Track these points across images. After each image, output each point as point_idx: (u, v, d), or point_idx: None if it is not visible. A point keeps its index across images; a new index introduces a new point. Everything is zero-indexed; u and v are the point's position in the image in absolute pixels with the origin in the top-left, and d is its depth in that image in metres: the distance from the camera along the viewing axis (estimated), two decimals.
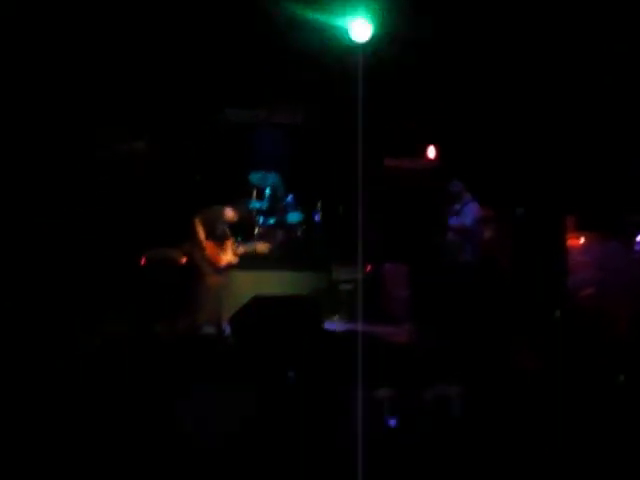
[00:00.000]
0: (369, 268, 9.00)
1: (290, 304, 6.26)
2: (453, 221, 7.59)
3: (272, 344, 5.48)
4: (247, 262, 8.78)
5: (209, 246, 7.10)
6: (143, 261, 8.03)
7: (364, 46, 7.99)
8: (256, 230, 9.37)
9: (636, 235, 7.80)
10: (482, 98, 8.78)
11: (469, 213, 7.53)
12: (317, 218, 9.59)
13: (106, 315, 7.02)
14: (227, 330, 6.65)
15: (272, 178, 9.59)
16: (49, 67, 7.82)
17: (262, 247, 7.84)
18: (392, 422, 4.86)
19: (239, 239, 8.91)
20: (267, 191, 9.63)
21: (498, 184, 8.24)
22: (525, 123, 8.29)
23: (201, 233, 7.02)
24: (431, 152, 9.41)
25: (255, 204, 9.53)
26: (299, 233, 9.49)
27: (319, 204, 9.60)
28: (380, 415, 4.86)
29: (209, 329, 6.88)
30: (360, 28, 7.95)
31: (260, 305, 5.98)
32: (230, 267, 7.41)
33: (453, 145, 9.09)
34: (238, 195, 9.19)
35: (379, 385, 5.14)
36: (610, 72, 7.83)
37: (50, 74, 7.86)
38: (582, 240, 8.16)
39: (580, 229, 8.32)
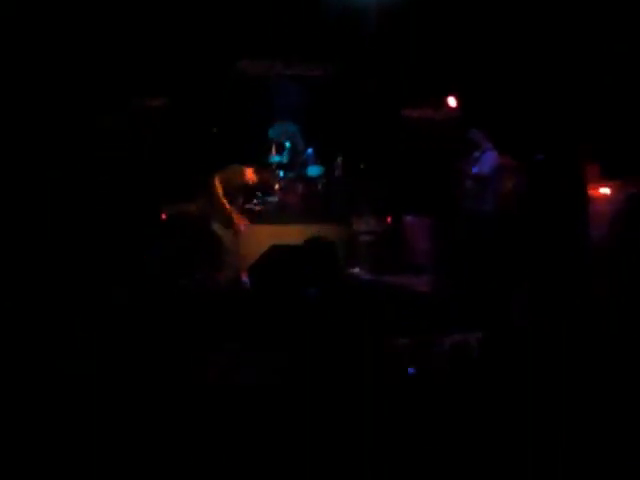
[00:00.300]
0: (389, 220, 9.01)
1: (307, 250, 6.24)
2: (472, 170, 7.50)
3: (290, 292, 5.53)
4: (267, 216, 8.89)
5: (227, 209, 6.83)
6: (164, 216, 8.12)
7: None
8: (276, 185, 9.38)
9: None
10: (503, 44, 8.60)
11: (487, 161, 7.44)
12: (337, 171, 9.56)
13: (129, 271, 7.06)
14: (246, 281, 6.72)
15: (291, 131, 9.57)
16: (58, 22, 7.63)
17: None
18: (411, 370, 4.88)
19: (259, 196, 8.99)
20: (286, 145, 9.61)
21: (518, 131, 8.12)
22: (547, 68, 8.12)
23: (220, 195, 6.74)
24: (452, 101, 9.26)
25: (275, 158, 9.53)
26: (319, 186, 9.49)
27: (339, 157, 9.55)
28: (400, 363, 4.89)
29: (229, 281, 6.89)
30: None
31: (278, 254, 6.03)
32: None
33: (473, 93, 8.95)
34: (257, 149, 9.25)
35: (399, 333, 5.16)
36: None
37: (59, 29, 7.65)
38: (605, 190, 8.01)
39: (604, 178, 8.14)
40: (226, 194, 6.76)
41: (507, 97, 8.64)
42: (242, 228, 6.92)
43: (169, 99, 8.64)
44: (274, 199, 9.27)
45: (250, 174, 7.03)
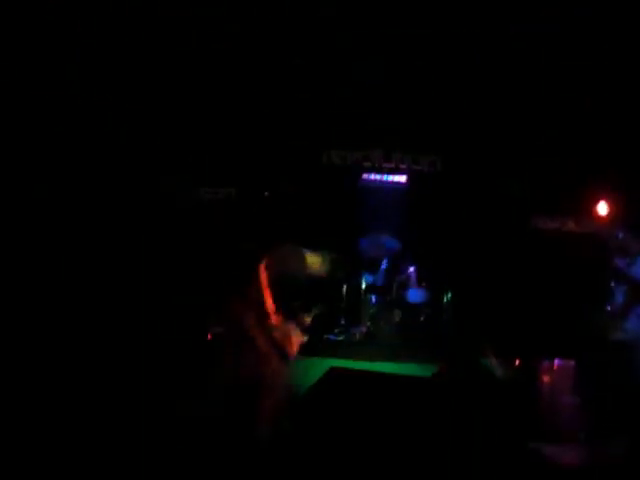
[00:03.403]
0: (518, 363, 6.56)
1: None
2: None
3: None
4: (349, 349, 6.71)
5: (280, 323, 4.43)
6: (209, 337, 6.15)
7: None
8: (368, 310, 7.27)
9: None
10: None
11: None
12: (447, 297, 7.34)
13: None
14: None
15: (389, 244, 7.48)
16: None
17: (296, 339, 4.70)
18: None
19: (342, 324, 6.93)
20: (383, 262, 7.55)
21: None
22: None
23: (268, 297, 4.39)
24: (602, 209, 7.02)
25: (367, 278, 7.45)
26: (422, 316, 7.27)
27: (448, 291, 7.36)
28: None
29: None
30: None
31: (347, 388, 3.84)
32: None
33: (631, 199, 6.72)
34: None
35: None
36: None
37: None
38: None
39: None
40: (276, 297, 4.43)
41: None
42: (293, 350, 4.50)
43: (237, 190, 6.94)
44: (361, 329, 7.11)
45: (313, 259, 4.62)
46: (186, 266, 6.64)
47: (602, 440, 5.40)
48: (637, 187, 6.65)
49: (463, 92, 6.80)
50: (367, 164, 7.43)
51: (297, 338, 4.43)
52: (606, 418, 5.83)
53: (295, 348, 4.41)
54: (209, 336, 6.13)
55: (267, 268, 4.37)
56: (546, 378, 6.37)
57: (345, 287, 7.21)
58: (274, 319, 4.32)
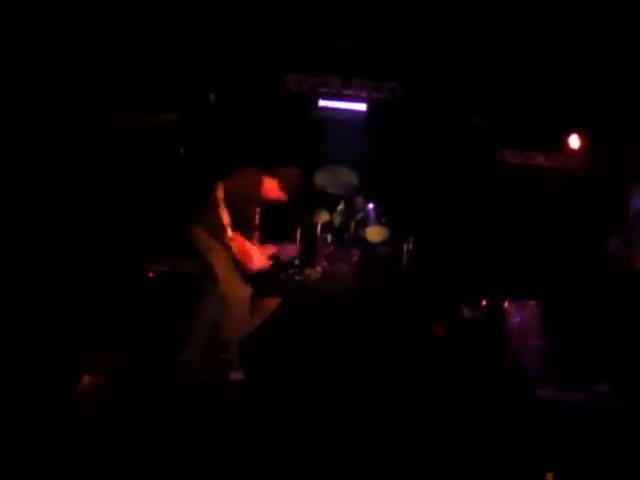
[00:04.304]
0: (484, 304, 6.21)
1: None
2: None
3: None
4: (306, 289, 6.29)
5: (237, 237, 4.22)
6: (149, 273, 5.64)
7: None
8: (324, 249, 6.79)
9: None
10: None
11: None
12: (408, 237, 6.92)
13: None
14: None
15: (346, 179, 6.97)
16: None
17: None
18: None
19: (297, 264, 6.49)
20: (340, 198, 7.06)
21: None
22: None
23: (224, 214, 4.19)
24: (574, 141, 6.66)
25: (323, 215, 6.97)
26: (382, 255, 6.84)
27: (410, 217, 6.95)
28: None
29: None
30: None
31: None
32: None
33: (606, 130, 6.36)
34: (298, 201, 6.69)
35: None
36: None
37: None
38: None
39: None
40: (235, 216, 4.17)
41: None
42: (253, 265, 4.22)
43: (182, 115, 6.35)
44: (317, 270, 6.64)
45: (272, 184, 4.40)
46: (124, 198, 6.14)
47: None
48: (612, 118, 6.30)
49: (425, 13, 6.25)
50: (324, 90, 6.89)
51: (258, 255, 4.18)
52: (576, 362, 5.54)
53: (256, 264, 4.15)
54: (150, 273, 5.64)
55: (226, 192, 4.09)
56: (515, 319, 6.07)
57: (299, 225, 6.72)
58: (231, 233, 4.03)
